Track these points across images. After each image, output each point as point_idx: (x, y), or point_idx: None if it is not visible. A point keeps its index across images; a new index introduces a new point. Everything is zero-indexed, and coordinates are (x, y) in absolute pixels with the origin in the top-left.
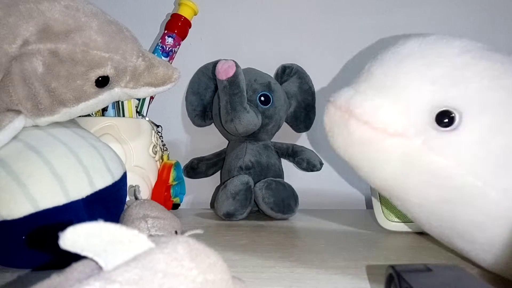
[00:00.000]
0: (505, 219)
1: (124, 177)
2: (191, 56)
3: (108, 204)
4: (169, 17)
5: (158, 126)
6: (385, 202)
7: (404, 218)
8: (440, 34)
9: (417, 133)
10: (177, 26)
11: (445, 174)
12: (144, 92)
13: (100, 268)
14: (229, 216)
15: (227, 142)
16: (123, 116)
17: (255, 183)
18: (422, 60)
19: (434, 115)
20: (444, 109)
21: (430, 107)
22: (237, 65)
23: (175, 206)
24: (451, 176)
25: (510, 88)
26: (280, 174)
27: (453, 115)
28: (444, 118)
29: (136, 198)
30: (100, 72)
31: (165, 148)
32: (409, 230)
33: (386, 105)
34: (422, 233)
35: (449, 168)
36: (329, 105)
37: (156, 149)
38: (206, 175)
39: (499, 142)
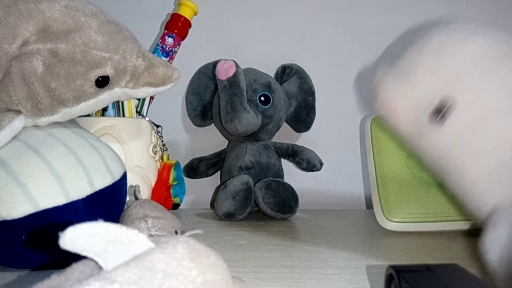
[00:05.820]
0: None
1: (124, 177)
2: (191, 56)
3: (108, 204)
4: (169, 17)
5: (158, 126)
6: (385, 202)
7: (404, 218)
8: None
9: None
10: (177, 26)
11: None
12: (144, 92)
13: (100, 268)
14: (229, 216)
15: (227, 142)
16: (123, 116)
17: (255, 183)
18: None
19: None
20: None
21: None
22: (237, 65)
23: (175, 206)
24: None
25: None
26: (280, 174)
27: None
28: None
29: (136, 198)
30: (100, 72)
31: (165, 148)
32: (409, 230)
33: None
34: (422, 233)
35: None
36: None
37: (156, 149)
38: (206, 175)
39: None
